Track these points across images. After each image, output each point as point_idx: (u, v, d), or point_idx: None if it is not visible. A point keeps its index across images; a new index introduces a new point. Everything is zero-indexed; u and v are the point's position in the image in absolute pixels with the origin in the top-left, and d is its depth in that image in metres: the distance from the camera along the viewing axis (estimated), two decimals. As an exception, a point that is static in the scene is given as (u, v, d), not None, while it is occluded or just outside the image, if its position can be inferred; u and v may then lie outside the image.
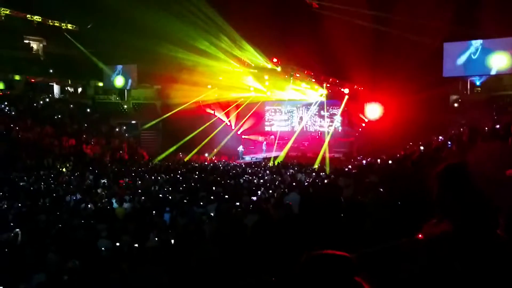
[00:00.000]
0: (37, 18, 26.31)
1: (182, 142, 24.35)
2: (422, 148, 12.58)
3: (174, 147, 24.43)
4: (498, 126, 11.12)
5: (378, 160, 14.16)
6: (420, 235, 1.98)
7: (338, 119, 26.87)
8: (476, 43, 21.31)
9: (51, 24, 27.45)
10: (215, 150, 25.45)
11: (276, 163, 19.58)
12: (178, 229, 7.18)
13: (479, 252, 1.48)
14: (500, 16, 18.18)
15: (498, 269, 1.44)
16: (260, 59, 25.44)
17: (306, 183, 11.91)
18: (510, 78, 21.32)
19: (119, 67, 28.72)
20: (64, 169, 17.60)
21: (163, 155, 23.61)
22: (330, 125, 26.87)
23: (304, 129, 27.89)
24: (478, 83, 22.43)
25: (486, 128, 11.72)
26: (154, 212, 8.73)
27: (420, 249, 1.63)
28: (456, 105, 22.84)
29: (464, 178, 1.58)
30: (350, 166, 15.20)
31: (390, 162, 11.55)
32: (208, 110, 28.91)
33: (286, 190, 9.74)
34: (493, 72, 21.07)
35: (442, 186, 1.63)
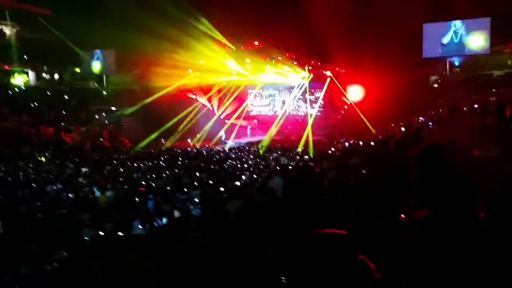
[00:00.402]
0: (9, 2, 25.28)
1: (164, 128, 24.06)
2: (403, 129, 12.74)
3: (156, 133, 24.12)
4: (476, 106, 11.35)
5: (361, 142, 14.30)
6: (402, 215, 1.99)
7: (320, 101, 26.93)
8: (454, 24, 21.52)
9: (24, 9, 26.46)
10: (197, 135, 25.26)
11: (261, 150, 19.55)
12: (163, 216, 7.15)
13: (458, 236, 1.46)
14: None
15: (477, 253, 1.43)
16: (241, 42, 25.16)
17: (290, 167, 11.97)
18: (487, 58, 21.68)
19: (97, 52, 27.98)
20: (43, 159, 17.23)
21: (145, 142, 23.33)
22: (313, 107, 26.93)
23: (287, 112, 27.90)
24: (457, 63, 22.74)
25: (465, 108, 11.94)
26: (137, 199, 8.65)
27: (402, 231, 1.62)
28: (435, 85, 23.17)
29: (442, 159, 1.55)
30: (333, 149, 15.33)
31: (372, 143, 11.67)
32: (190, 95, 28.58)
33: (269, 174, 9.77)
34: (470, 52, 21.38)
35: (420, 167, 1.61)
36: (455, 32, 21.43)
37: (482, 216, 1.55)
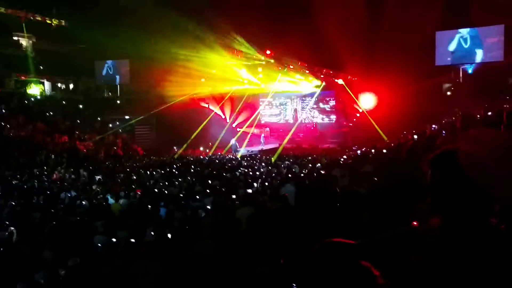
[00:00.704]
0: (25, 14, 25.93)
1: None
2: (415, 136, 12.61)
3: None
4: (490, 113, 11.17)
5: (373, 150, 14.18)
6: (415, 223, 1.97)
7: (332, 110, 26.85)
8: (467, 31, 21.37)
9: (39, 20, 27.09)
10: (210, 144, 25.37)
11: (272, 159, 19.51)
12: (175, 223, 7.17)
13: (471, 244, 1.45)
14: (490, 4, 18.24)
15: (489, 261, 1.41)
16: (253, 52, 25.29)
17: (302, 175, 11.93)
18: (501, 65, 21.40)
19: (111, 62, 28.46)
20: (57, 166, 17.49)
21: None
22: (325, 116, 26.85)
23: (300, 120, 27.87)
24: (470, 71, 22.50)
25: (479, 116, 11.77)
26: (150, 207, 8.71)
27: (414, 239, 1.61)
28: (449, 93, 22.92)
29: (457, 164, 1.53)
30: (345, 157, 15.23)
31: (384, 151, 11.57)
32: (202, 104, 28.78)
33: (281, 182, 9.73)
34: (484, 60, 21.16)
35: (435, 172, 1.60)
36: (463, 38, 21.26)
37: (495, 224, 1.53)
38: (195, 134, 24.90)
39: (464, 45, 21.23)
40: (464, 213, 1.50)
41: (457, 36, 21.30)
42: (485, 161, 1.76)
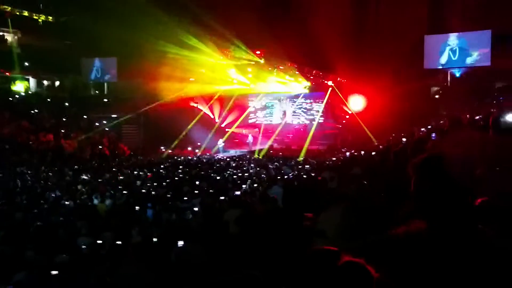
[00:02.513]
0: (9, 8, 25.45)
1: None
2: (404, 139, 12.70)
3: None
4: (478, 117, 11.30)
5: (362, 152, 14.26)
6: (401, 227, 1.94)
7: (321, 111, 26.92)
8: (456, 36, 21.64)
9: (25, 15, 26.63)
10: (198, 144, 25.22)
11: (261, 157, 19.52)
12: (162, 224, 7.07)
13: (458, 248, 1.45)
14: (478, 9, 18.53)
15: (479, 264, 1.41)
16: (243, 52, 25.24)
17: (290, 176, 11.91)
18: (489, 70, 21.72)
19: (98, 60, 28.10)
20: (41, 165, 17.17)
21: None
22: (314, 117, 26.92)
23: (288, 121, 27.90)
24: (458, 74, 22.80)
25: (466, 118, 11.90)
26: (136, 208, 8.58)
27: (398, 245, 1.59)
28: (437, 96, 23.18)
29: (442, 170, 1.55)
30: (334, 158, 15.28)
31: (373, 154, 11.63)
32: (191, 103, 28.60)
33: (269, 183, 9.70)
34: (471, 64, 21.47)
35: (420, 178, 1.60)
36: (452, 50, 21.58)
37: (483, 228, 1.53)
38: (183, 134, 24.74)
39: (453, 57, 21.57)
40: (452, 218, 1.50)
41: (447, 48, 21.59)
42: (470, 163, 1.75)
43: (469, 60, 21.24)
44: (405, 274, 1.50)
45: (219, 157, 21.45)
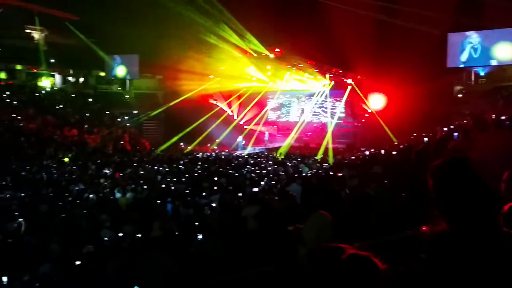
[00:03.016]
0: (38, 7, 26.10)
1: (184, 132, 24.27)
2: (426, 139, 12.50)
3: (176, 138, 24.37)
4: (503, 117, 11.03)
5: (382, 151, 14.09)
6: (424, 228, 1.94)
7: (341, 109, 26.71)
8: (480, 34, 21.12)
9: (52, 13, 27.26)
10: (217, 141, 25.40)
11: (279, 156, 19.49)
12: (181, 219, 7.18)
13: (484, 250, 1.42)
14: (503, 6, 18.01)
15: (503, 266, 1.39)
16: (262, 49, 25.24)
17: (308, 174, 11.89)
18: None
19: (121, 57, 28.59)
20: (66, 159, 17.62)
21: (165, 146, 23.58)
22: (333, 115, 26.74)
23: (307, 119, 27.76)
24: (482, 73, 22.25)
25: (491, 119, 11.63)
26: (157, 202, 8.73)
27: (423, 244, 1.59)
28: (460, 95, 22.69)
29: (469, 172, 1.53)
30: (353, 157, 15.16)
31: (394, 153, 11.49)
32: (211, 100, 28.81)
33: (287, 181, 9.71)
34: (496, 63, 20.91)
35: (441, 180, 1.59)
36: (481, 42, 21.03)
37: (505, 229, 1.51)
38: (206, 132, 24.91)
39: (474, 55, 21.05)
40: (475, 220, 1.49)
41: (468, 46, 21.11)
42: (496, 166, 1.72)
43: (493, 58, 20.70)
44: (425, 275, 1.50)
45: (238, 154, 21.54)
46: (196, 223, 6.35)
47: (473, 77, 22.44)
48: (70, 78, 29.15)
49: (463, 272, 1.39)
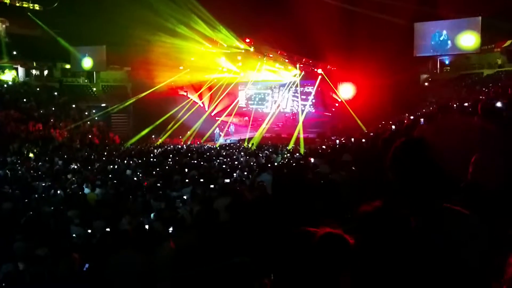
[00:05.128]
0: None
1: (154, 125, 23.86)
2: (393, 126, 12.79)
3: (147, 130, 23.93)
4: (466, 104, 11.40)
5: (352, 139, 14.34)
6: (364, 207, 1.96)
7: (311, 99, 26.95)
8: (445, 23, 21.71)
9: (14, 4, 26.08)
10: (188, 132, 25.12)
11: (251, 146, 19.53)
12: (153, 213, 7.09)
13: (422, 228, 1.46)
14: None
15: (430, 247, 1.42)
16: (232, 40, 25.08)
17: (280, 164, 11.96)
18: (478, 57, 21.88)
19: (87, 48, 27.71)
20: (31, 155, 17.02)
21: (135, 139, 23.14)
22: (304, 105, 26.96)
23: (278, 110, 27.88)
24: (447, 62, 22.94)
25: (455, 106, 12.00)
26: (128, 197, 8.57)
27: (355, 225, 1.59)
28: (426, 84, 23.33)
29: (419, 153, 1.57)
30: (324, 146, 15.35)
31: (363, 141, 11.70)
32: (181, 92, 28.44)
33: (258, 171, 9.73)
34: (461, 52, 21.59)
35: (397, 159, 1.63)
36: (446, 31, 21.64)
37: (460, 209, 1.54)
38: (177, 124, 24.55)
39: (442, 44, 21.63)
40: (423, 199, 1.53)
41: (436, 35, 21.70)
42: (457, 151, 1.76)
43: (458, 47, 21.36)
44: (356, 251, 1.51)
45: (210, 145, 21.42)
46: (168, 217, 6.29)
47: (438, 65, 23.10)
48: (33, 71, 28.06)
49: (389, 248, 1.39)
